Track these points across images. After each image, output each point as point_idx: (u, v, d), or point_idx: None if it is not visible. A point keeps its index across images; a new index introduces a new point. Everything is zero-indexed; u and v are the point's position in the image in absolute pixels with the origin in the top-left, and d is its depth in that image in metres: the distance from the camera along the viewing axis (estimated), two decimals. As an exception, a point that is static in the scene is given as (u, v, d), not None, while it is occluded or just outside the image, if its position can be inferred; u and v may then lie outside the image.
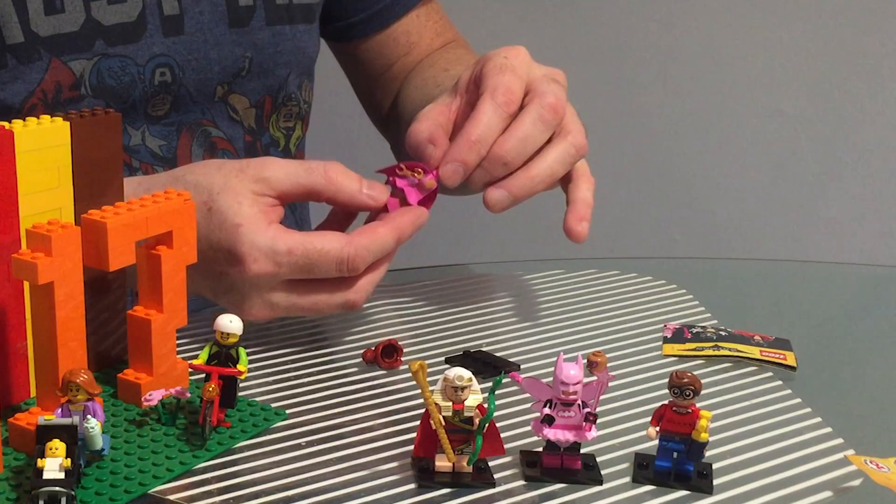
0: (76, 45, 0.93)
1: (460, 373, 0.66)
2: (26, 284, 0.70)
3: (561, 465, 0.69)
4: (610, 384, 0.74)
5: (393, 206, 0.83)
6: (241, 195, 0.79)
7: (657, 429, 0.68)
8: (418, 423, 0.68)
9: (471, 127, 0.83)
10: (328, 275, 0.79)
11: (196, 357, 0.71)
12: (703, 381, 0.68)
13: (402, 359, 0.83)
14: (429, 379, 0.66)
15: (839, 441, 0.74)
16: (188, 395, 0.72)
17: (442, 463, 0.67)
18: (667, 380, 0.68)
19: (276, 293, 0.80)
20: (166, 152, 0.99)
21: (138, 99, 0.96)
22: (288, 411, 0.75)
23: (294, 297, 0.80)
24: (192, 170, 0.82)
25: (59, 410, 0.65)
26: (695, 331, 0.90)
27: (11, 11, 0.90)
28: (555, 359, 0.69)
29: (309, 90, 1.13)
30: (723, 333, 0.89)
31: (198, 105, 1.00)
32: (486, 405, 0.66)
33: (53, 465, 0.61)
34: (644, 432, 0.70)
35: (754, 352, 0.86)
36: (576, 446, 0.68)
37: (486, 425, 0.66)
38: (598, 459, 0.70)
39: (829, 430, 0.76)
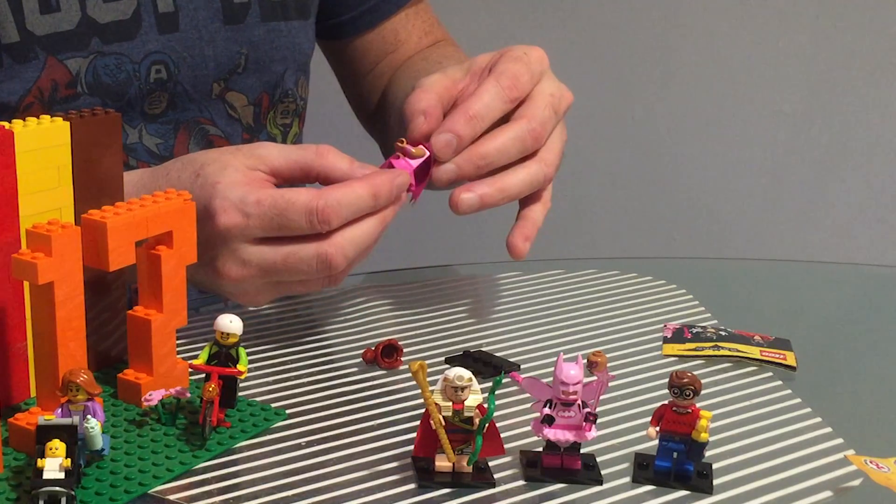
0: (72, 43, 0.93)
1: (460, 373, 0.66)
2: (26, 284, 0.70)
3: (561, 465, 0.69)
4: (610, 384, 0.74)
5: None
6: (229, 165, 0.79)
7: (657, 429, 0.68)
8: (418, 423, 0.68)
9: (471, 102, 0.83)
10: (300, 229, 0.77)
11: (196, 357, 0.71)
12: (703, 381, 0.68)
13: (402, 359, 0.83)
14: (429, 379, 0.66)
15: (839, 441, 0.74)
16: (188, 395, 0.72)
17: (442, 463, 0.67)
18: (667, 380, 0.68)
19: (247, 247, 0.78)
20: (163, 151, 0.99)
21: (134, 96, 0.96)
22: (288, 411, 0.75)
23: (265, 249, 0.78)
24: (189, 153, 0.83)
25: (59, 410, 0.65)
26: (695, 331, 0.90)
27: (7, 11, 0.90)
28: (555, 359, 0.69)
29: (305, 87, 1.13)
30: (723, 333, 0.89)
31: (195, 103, 1.00)
32: (486, 405, 0.66)
33: (53, 465, 0.61)
34: (644, 432, 0.70)
35: (754, 352, 0.86)
36: (576, 446, 0.68)
37: (486, 425, 0.66)
38: (598, 459, 0.70)
39: (829, 430, 0.76)
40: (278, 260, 0.78)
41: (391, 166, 0.82)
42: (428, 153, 0.83)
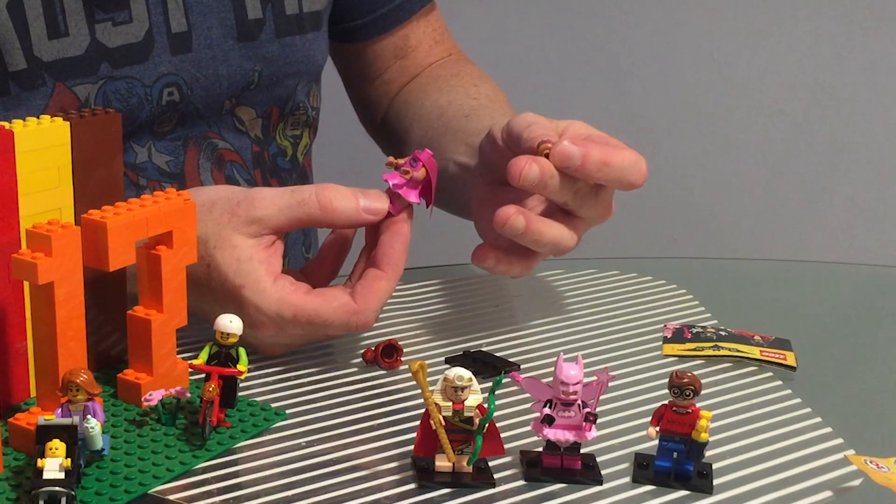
0: (81, 69, 0.91)
1: (460, 373, 0.66)
2: (26, 284, 0.70)
3: (561, 465, 0.69)
4: (610, 384, 0.74)
5: (395, 210, 0.79)
6: (238, 248, 0.77)
7: (657, 429, 0.68)
8: (418, 423, 0.68)
9: (613, 151, 0.81)
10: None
11: (196, 357, 0.71)
12: (703, 381, 0.68)
13: (402, 359, 0.83)
14: (429, 379, 0.66)
15: (839, 441, 0.74)
16: (188, 395, 0.72)
17: (442, 463, 0.67)
18: (667, 380, 0.68)
19: (286, 337, 0.80)
20: (174, 168, 0.98)
21: (146, 120, 0.95)
22: (288, 411, 0.75)
23: (303, 335, 0.81)
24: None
25: (59, 410, 0.65)
26: (695, 331, 0.90)
27: (13, 37, 0.88)
28: (555, 359, 0.69)
29: (316, 96, 1.11)
30: (723, 333, 0.89)
31: (204, 119, 0.99)
32: (486, 405, 0.66)
33: (53, 465, 0.61)
34: (644, 432, 0.70)
35: (754, 352, 0.86)
36: (576, 446, 0.68)
37: (486, 425, 0.66)
38: (598, 459, 0.70)
39: (829, 430, 0.76)
40: (315, 339, 0.82)
41: (394, 192, 0.79)
42: (427, 174, 0.80)
